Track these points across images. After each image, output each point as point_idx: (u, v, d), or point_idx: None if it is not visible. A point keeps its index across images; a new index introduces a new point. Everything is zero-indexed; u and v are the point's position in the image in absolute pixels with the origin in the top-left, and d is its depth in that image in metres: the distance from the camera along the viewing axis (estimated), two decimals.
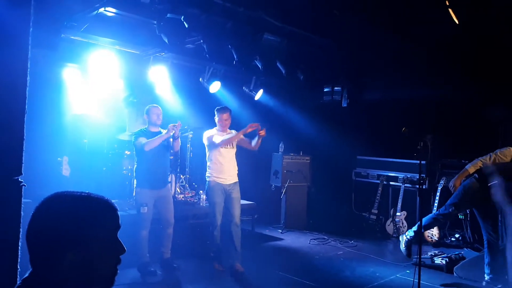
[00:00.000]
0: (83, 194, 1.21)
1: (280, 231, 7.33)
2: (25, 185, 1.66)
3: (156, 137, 4.66)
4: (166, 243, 4.95)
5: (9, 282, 1.50)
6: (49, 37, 3.92)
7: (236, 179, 5.25)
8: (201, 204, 6.51)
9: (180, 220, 5.65)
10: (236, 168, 5.29)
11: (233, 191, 5.15)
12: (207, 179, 5.16)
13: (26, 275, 1.15)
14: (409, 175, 7.21)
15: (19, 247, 1.63)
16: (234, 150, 5.27)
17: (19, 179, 1.65)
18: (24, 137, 1.70)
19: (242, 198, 7.25)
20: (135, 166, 4.91)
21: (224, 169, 5.09)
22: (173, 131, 4.71)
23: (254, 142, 5.20)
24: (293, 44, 5.72)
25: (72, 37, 4.75)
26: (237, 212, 5.14)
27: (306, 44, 5.80)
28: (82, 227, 1.14)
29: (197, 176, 7.53)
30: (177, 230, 5.11)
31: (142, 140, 4.63)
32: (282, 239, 6.93)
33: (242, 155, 8.29)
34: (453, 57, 5.82)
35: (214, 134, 5.10)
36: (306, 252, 6.25)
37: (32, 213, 1.16)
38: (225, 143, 5.06)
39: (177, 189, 6.70)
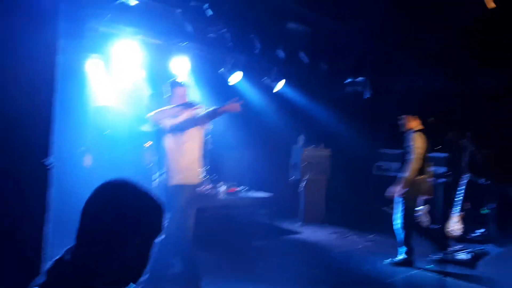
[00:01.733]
0: (146, 191, 1.22)
1: (299, 224, 7.29)
2: (52, 168, 1.67)
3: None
4: None
5: (36, 256, 1.51)
6: (74, 27, 3.93)
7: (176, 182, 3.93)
8: (220, 196, 6.50)
9: (199, 211, 5.64)
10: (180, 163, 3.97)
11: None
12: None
13: (67, 249, 1.16)
14: (432, 168, 7.06)
15: (49, 224, 1.64)
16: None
17: (48, 161, 1.66)
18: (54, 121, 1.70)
19: (260, 189, 7.29)
20: (157, 157, 4.90)
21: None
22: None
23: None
24: (316, 33, 5.63)
25: (96, 27, 4.77)
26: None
27: (330, 33, 5.70)
28: (139, 222, 1.16)
29: (216, 167, 7.53)
30: (196, 222, 5.09)
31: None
32: (300, 232, 6.90)
33: (260, 146, 8.30)
34: (482, 45, 5.64)
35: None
36: (325, 245, 6.20)
37: (95, 192, 1.19)
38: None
39: None
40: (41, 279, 1.10)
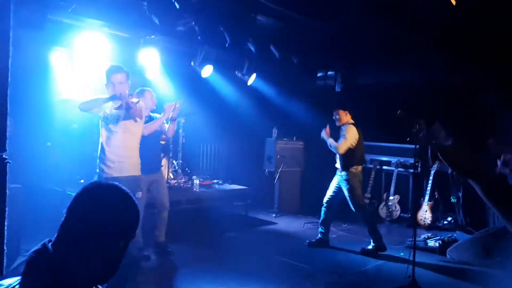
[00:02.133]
0: (129, 196, 1.27)
1: (274, 215, 7.33)
2: (9, 162, 1.59)
3: (155, 120, 4.55)
4: (160, 227, 4.89)
5: None
6: (35, 17, 3.78)
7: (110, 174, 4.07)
8: (194, 189, 6.46)
9: (173, 205, 5.61)
10: None
11: None
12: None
13: (39, 247, 1.17)
14: (402, 159, 7.22)
15: (5, 221, 1.57)
16: None
17: (3, 156, 1.58)
18: (8, 113, 1.61)
19: (235, 182, 7.30)
20: None
21: None
22: (171, 113, 4.50)
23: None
24: (287, 27, 5.62)
25: (59, 19, 4.61)
26: None
27: (300, 28, 5.70)
28: (120, 229, 1.21)
29: (190, 161, 7.48)
30: (170, 215, 5.06)
31: None
32: (275, 223, 6.94)
33: (234, 140, 8.29)
34: (449, 40, 5.77)
35: None
36: (300, 235, 6.26)
37: (83, 191, 1.21)
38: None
39: (170, 174, 6.63)
40: (20, 268, 1.13)
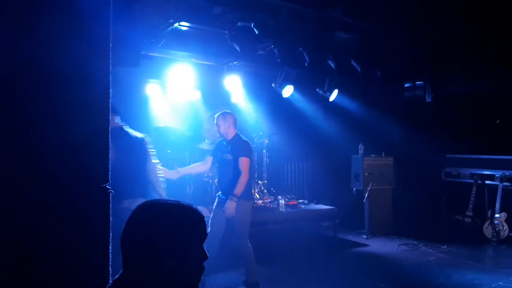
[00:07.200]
0: (174, 202, 1.23)
1: (365, 236, 7.02)
2: (112, 192, 1.75)
3: None
4: None
5: (102, 282, 1.60)
6: (130, 55, 4.19)
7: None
8: (280, 209, 6.48)
9: (260, 225, 5.67)
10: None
11: None
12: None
13: (117, 276, 1.21)
14: (507, 172, 6.52)
15: (110, 251, 1.72)
16: None
17: (107, 186, 1.75)
18: (110, 147, 1.79)
19: (321, 202, 7.18)
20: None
21: None
22: None
23: None
24: (367, 40, 5.49)
25: (150, 54, 5.06)
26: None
27: (381, 39, 5.53)
28: (174, 236, 1.17)
29: (275, 181, 7.54)
30: (257, 235, 5.07)
31: None
32: (367, 244, 6.64)
33: (318, 158, 8.17)
34: None
35: None
36: (394, 258, 5.91)
37: (127, 219, 1.22)
38: None
39: (256, 194, 6.74)
40: None
